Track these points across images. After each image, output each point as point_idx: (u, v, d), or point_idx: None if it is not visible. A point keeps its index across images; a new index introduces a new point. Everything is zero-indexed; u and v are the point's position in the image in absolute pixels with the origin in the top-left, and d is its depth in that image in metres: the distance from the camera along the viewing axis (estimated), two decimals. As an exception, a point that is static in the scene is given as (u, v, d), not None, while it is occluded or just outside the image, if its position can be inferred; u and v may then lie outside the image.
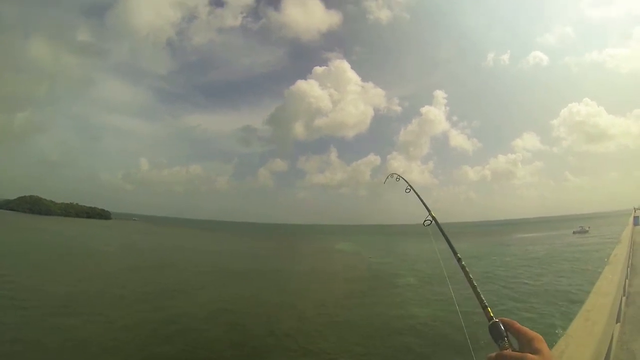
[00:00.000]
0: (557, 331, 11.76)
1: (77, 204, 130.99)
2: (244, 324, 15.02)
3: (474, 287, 1.22)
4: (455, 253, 1.55)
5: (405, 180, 2.83)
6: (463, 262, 1.43)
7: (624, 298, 5.63)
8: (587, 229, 66.46)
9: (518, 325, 0.93)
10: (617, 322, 4.00)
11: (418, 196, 2.35)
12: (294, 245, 73.79)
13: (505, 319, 0.97)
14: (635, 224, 20.56)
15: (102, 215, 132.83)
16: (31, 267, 26.03)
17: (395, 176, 3.11)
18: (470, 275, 1.31)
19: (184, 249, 50.92)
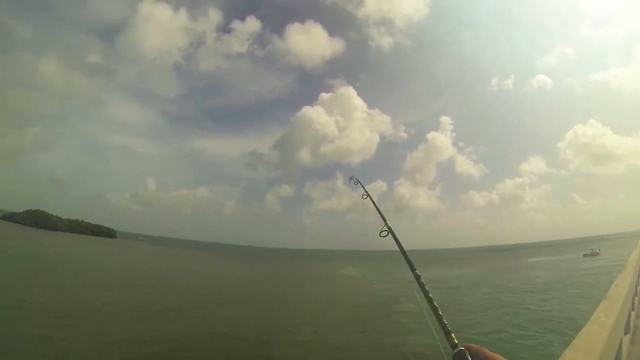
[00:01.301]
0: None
1: (82, 220, 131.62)
2: (237, 348, 14.70)
3: (434, 309, 1.06)
4: (413, 269, 1.36)
5: (362, 186, 2.58)
6: (422, 280, 1.27)
7: (626, 337, 4.81)
8: (598, 251, 65.20)
9: (487, 352, 0.80)
10: None
11: (374, 204, 2.19)
12: (298, 270, 72.99)
13: (473, 345, 0.83)
14: None
15: (107, 233, 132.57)
16: (29, 277, 26.20)
17: (354, 180, 2.83)
18: (431, 295, 1.15)
19: (186, 270, 50.53)
